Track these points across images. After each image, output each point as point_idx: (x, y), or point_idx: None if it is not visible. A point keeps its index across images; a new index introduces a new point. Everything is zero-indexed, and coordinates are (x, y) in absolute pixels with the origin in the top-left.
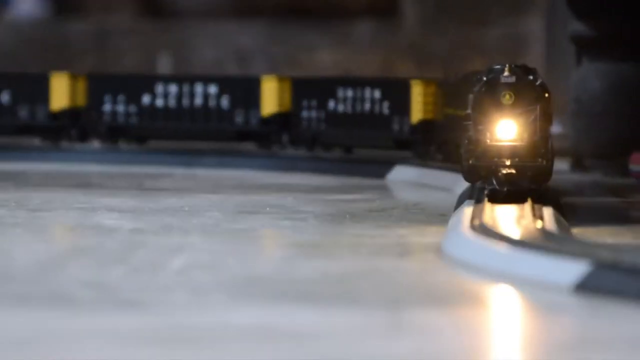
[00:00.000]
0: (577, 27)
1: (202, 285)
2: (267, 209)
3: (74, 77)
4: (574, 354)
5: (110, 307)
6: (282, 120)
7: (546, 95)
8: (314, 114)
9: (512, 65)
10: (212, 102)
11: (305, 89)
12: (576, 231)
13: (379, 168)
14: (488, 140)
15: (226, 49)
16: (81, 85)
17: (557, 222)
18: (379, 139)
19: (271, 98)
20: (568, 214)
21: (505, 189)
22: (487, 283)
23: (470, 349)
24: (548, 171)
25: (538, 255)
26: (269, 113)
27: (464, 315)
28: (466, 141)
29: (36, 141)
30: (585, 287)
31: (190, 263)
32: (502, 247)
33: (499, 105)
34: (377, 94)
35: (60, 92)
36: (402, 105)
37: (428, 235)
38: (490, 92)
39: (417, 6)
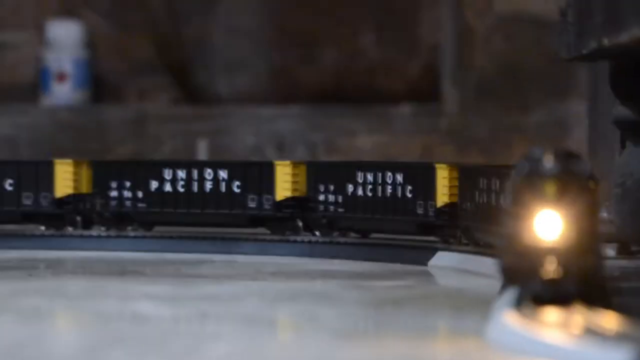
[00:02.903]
0: (621, 110)
1: None
2: (308, 296)
3: (77, 164)
4: None
5: None
6: (297, 205)
7: (594, 186)
8: (331, 198)
9: (555, 152)
10: (222, 187)
11: (321, 174)
12: (621, 315)
13: (421, 254)
14: (528, 238)
15: (265, 134)
16: (85, 172)
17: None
18: (401, 223)
19: (285, 182)
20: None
21: (548, 294)
22: None
23: None
24: (597, 274)
25: (584, 342)
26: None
27: None
28: (503, 238)
29: (40, 228)
30: None
31: (228, 351)
32: (547, 332)
33: (541, 198)
34: (399, 178)
35: (64, 179)
36: (426, 189)
37: (470, 321)
38: (531, 183)
39: (457, 90)
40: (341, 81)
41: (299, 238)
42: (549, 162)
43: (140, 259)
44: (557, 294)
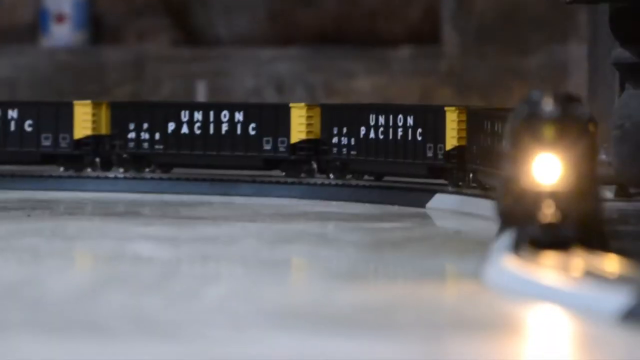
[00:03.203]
0: (621, 53)
1: (239, 316)
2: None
3: (96, 105)
4: None
5: (147, 338)
6: (311, 148)
7: (593, 129)
8: (344, 141)
9: (555, 95)
10: (239, 130)
11: (335, 116)
12: (620, 259)
13: (419, 196)
14: (527, 181)
15: (264, 76)
16: (104, 114)
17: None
18: (412, 166)
19: (300, 125)
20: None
21: (546, 239)
22: (530, 312)
23: None
24: (596, 218)
25: (583, 284)
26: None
27: (505, 344)
28: (502, 181)
29: (59, 169)
30: (632, 316)
31: (227, 293)
32: (545, 275)
33: (539, 142)
34: (410, 121)
35: (83, 120)
36: (436, 132)
37: (469, 263)
38: (530, 126)
39: (457, 33)
40: (341, 24)
41: (304, 180)
42: (548, 105)
43: (139, 201)
44: (555, 238)
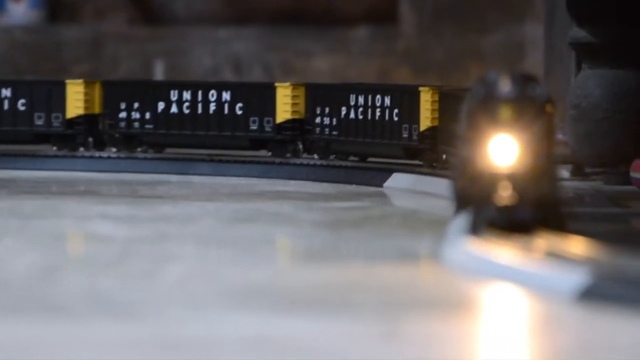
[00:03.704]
0: (577, 33)
1: (197, 295)
2: (263, 217)
3: (89, 84)
4: None
5: (104, 317)
6: (297, 128)
7: (550, 110)
8: (326, 121)
9: (511, 75)
10: (227, 110)
11: (318, 96)
12: (577, 239)
13: (377, 176)
14: (483, 163)
15: (222, 56)
16: (97, 93)
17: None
18: (389, 147)
19: (285, 105)
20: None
21: (502, 221)
22: (487, 291)
23: (466, 357)
24: (553, 200)
25: (540, 264)
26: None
27: (461, 322)
28: (457, 162)
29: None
30: (588, 295)
31: (185, 272)
32: (503, 255)
33: (496, 123)
34: (387, 101)
35: (75, 100)
36: (411, 112)
37: (426, 242)
38: (486, 107)
39: (414, 13)
40: (299, 4)
41: (262, 159)
42: (504, 86)
43: (96, 179)
44: (512, 220)
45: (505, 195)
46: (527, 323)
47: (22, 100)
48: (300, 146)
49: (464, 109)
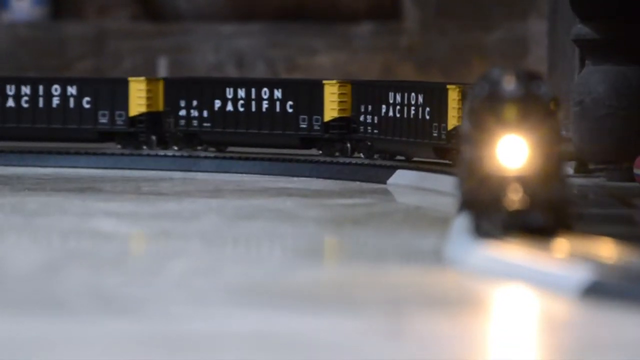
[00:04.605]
0: (581, 29)
1: (200, 292)
2: (266, 213)
3: (151, 82)
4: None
5: (107, 314)
6: (344, 126)
7: (555, 108)
8: (369, 119)
9: (517, 73)
10: (278, 108)
11: (362, 94)
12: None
13: (380, 172)
14: (490, 164)
15: (225, 51)
16: (161, 90)
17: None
18: (421, 146)
19: (333, 103)
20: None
21: (516, 225)
22: (491, 288)
23: (472, 355)
24: (563, 202)
25: (544, 260)
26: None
27: (466, 320)
28: (462, 166)
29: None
30: (592, 292)
31: (188, 269)
32: (507, 252)
33: (501, 122)
34: (420, 99)
35: (138, 97)
36: (440, 111)
37: (430, 239)
38: (491, 107)
39: (417, 9)
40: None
41: (264, 155)
42: (509, 84)
43: (99, 176)
44: (525, 224)
45: (516, 198)
46: (533, 321)
47: (86, 98)
48: (349, 145)
49: (467, 107)
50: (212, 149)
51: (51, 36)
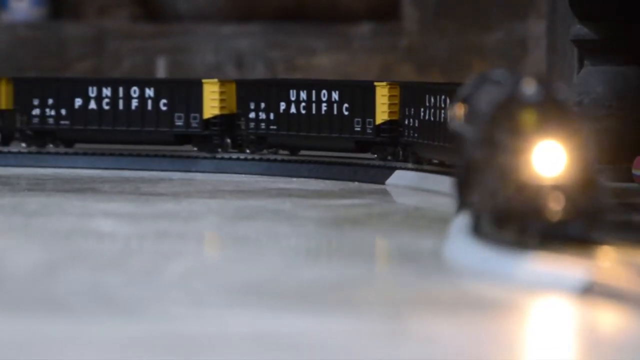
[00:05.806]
0: (579, 30)
1: (199, 292)
2: (265, 214)
3: (225, 84)
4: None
5: (106, 314)
6: (394, 129)
7: (575, 115)
8: (411, 122)
9: (537, 77)
10: (335, 110)
11: (407, 96)
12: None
13: (379, 173)
14: (527, 172)
15: (225, 52)
16: (235, 92)
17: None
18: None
19: (383, 105)
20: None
21: (559, 236)
22: (490, 288)
23: (472, 356)
24: (603, 212)
25: (542, 260)
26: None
27: (467, 321)
28: (492, 174)
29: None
30: (591, 291)
31: (188, 270)
32: (505, 252)
33: (520, 128)
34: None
35: (211, 99)
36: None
37: (429, 240)
38: (508, 111)
39: (417, 9)
40: (302, 0)
41: (265, 156)
42: (529, 88)
43: (98, 177)
44: (566, 235)
45: (558, 208)
46: (534, 322)
47: (163, 100)
48: (400, 149)
49: (476, 112)
50: (285, 151)
51: (50, 36)
